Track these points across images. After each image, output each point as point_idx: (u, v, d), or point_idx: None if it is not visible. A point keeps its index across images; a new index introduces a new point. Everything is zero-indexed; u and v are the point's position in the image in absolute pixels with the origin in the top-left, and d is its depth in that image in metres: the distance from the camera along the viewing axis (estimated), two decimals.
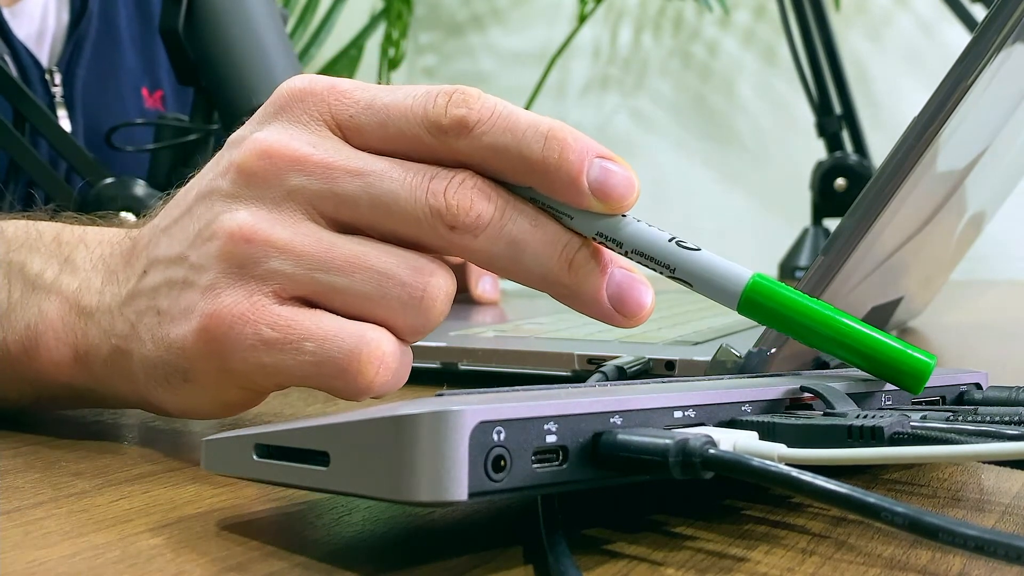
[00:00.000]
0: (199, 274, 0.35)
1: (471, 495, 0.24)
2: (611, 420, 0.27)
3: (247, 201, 0.35)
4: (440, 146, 0.34)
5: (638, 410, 0.28)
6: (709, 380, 0.35)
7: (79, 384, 0.40)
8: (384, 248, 0.34)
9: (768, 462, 0.25)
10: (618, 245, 0.35)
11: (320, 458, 0.26)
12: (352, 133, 0.35)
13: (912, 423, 0.30)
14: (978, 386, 0.38)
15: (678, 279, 0.34)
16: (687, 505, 0.31)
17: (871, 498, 0.24)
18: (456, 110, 0.34)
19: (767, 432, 0.30)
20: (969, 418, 0.32)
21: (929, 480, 0.35)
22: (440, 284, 0.34)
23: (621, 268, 0.36)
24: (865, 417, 0.30)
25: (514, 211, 0.34)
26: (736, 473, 0.26)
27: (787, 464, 0.27)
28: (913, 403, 0.36)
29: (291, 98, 0.36)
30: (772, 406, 0.32)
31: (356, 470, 0.25)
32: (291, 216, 0.35)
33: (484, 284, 0.79)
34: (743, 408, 0.31)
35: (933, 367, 0.32)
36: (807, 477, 0.25)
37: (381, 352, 0.34)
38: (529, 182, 0.34)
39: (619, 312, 0.35)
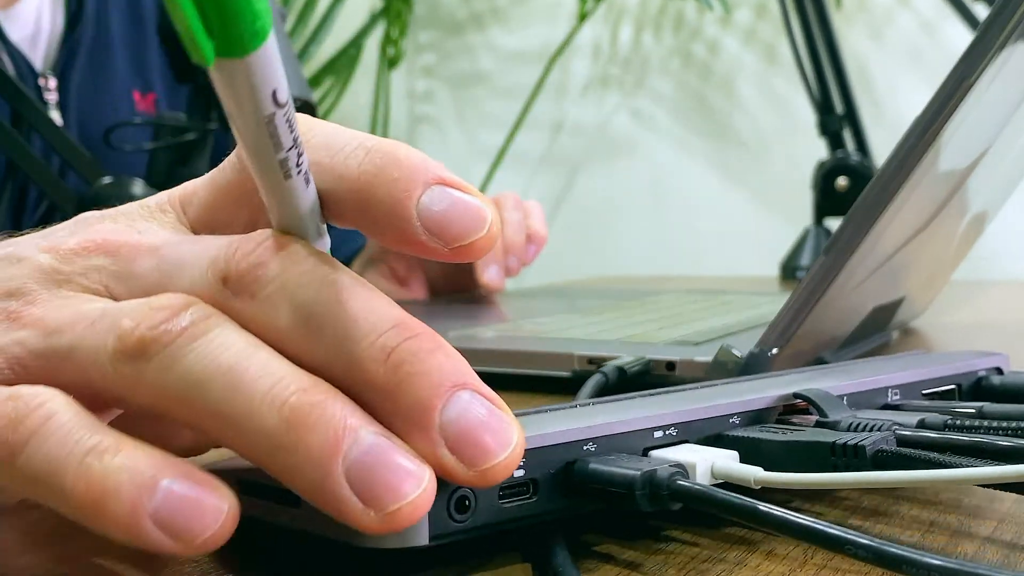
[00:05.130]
0: None
1: (432, 538, 0.24)
2: (584, 448, 0.27)
3: None
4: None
5: (614, 435, 0.27)
6: (700, 390, 0.34)
7: None
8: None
9: (734, 496, 0.25)
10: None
11: (293, 497, 0.25)
12: None
13: (902, 432, 0.29)
14: (999, 370, 0.37)
15: None
16: (686, 509, 0.31)
17: (834, 530, 0.23)
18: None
19: (751, 449, 0.29)
20: (967, 423, 0.31)
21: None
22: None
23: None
24: (854, 428, 0.30)
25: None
26: (703, 505, 0.26)
27: (764, 487, 0.26)
28: (924, 395, 0.35)
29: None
30: (763, 415, 0.32)
31: (323, 512, 0.24)
32: None
33: (490, 272, 0.77)
34: (731, 420, 0.30)
35: None
36: (772, 511, 0.24)
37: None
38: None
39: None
